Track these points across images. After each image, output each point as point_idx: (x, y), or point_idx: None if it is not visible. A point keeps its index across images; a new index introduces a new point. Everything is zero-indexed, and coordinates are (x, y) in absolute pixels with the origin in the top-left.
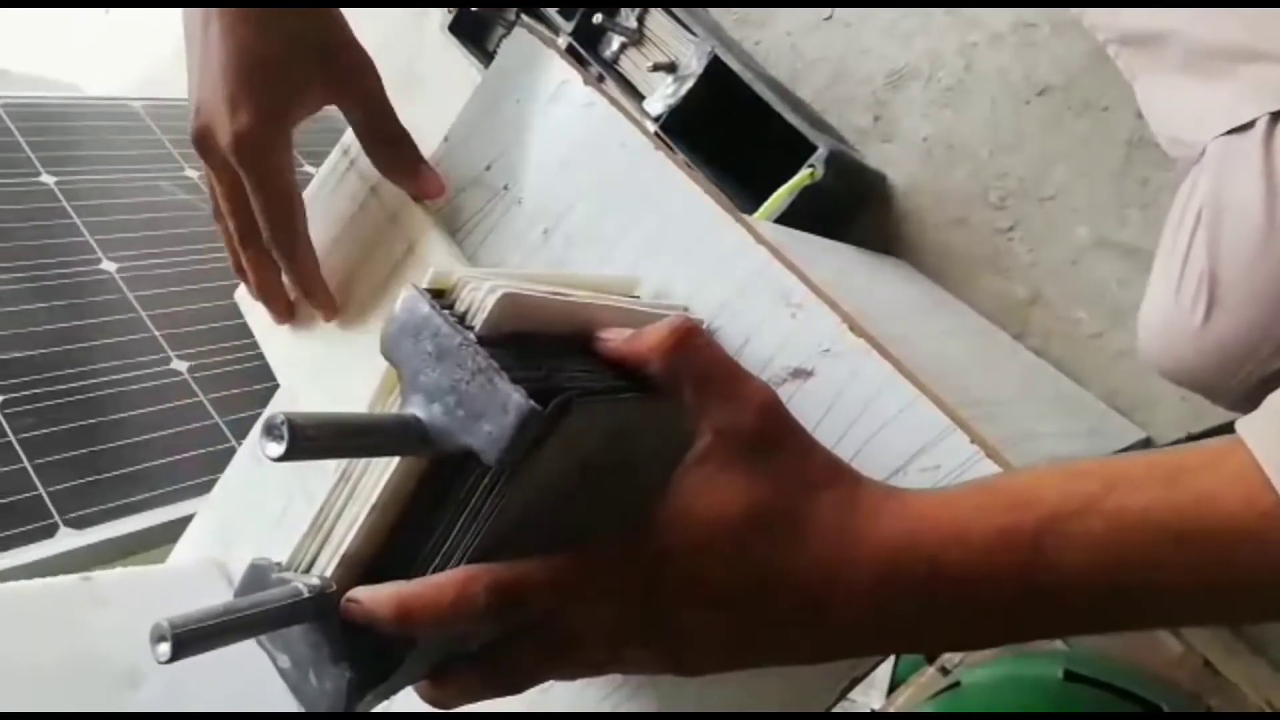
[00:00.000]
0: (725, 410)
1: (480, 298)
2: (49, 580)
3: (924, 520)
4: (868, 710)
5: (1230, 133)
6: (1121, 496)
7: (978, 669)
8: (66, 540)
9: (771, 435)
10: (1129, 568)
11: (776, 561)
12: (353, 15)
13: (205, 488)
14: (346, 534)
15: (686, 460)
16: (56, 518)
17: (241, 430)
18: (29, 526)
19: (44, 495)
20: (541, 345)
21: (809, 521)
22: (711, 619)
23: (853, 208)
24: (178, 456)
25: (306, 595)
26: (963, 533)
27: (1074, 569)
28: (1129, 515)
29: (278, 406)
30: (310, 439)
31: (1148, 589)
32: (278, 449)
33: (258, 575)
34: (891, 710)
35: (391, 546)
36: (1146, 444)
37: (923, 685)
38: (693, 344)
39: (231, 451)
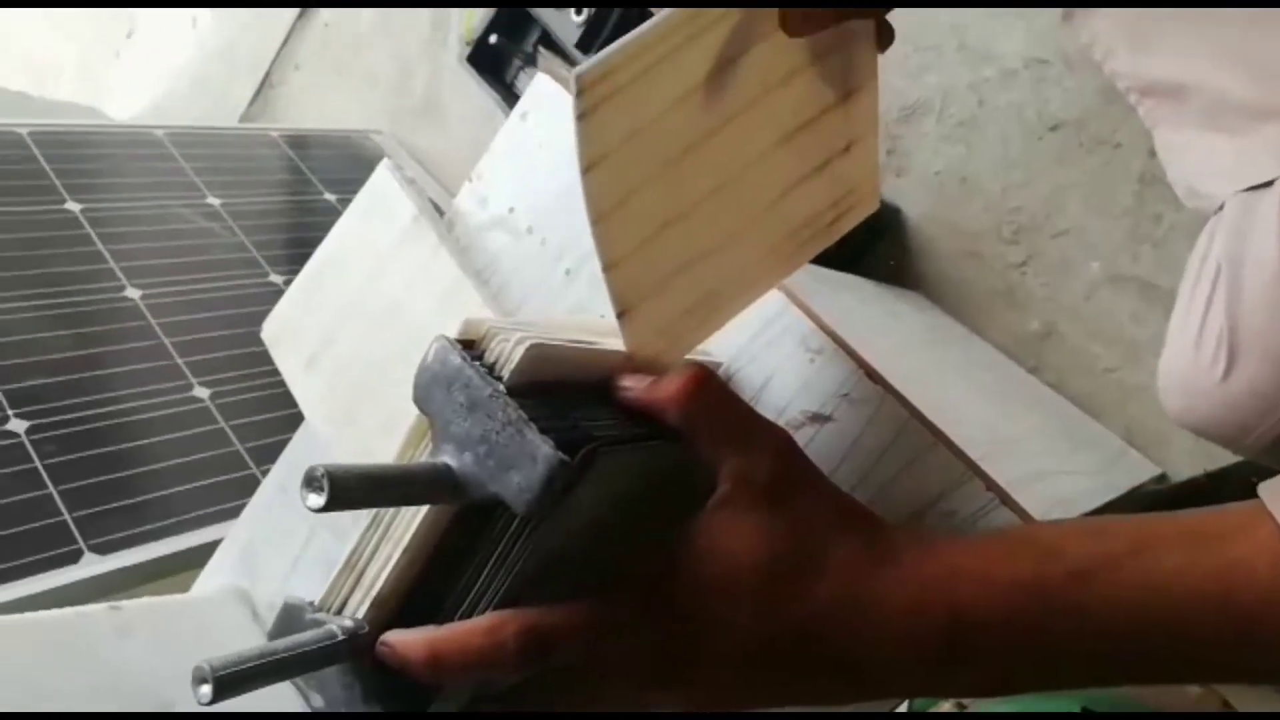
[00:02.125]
0: (742, 457)
1: (509, 349)
2: (77, 610)
3: (949, 567)
4: None
5: (1250, 189)
6: (1150, 557)
7: (994, 704)
8: (91, 566)
9: (789, 481)
10: (1157, 627)
11: (798, 607)
12: (369, 47)
13: (227, 514)
14: (378, 576)
15: (707, 507)
16: (81, 543)
17: (262, 456)
18: (54, 552)
19: (69, 520)
20: (567, 393)
21: (829, 567)
22: (733, 664)
23: (867, 241)
24: (200, 483)
25: (341, 637)
26: (989, 581)
27: (1100, 624)
28: (1158, 576)
29: (299, 444)
30: (349, 490)
31: (1174, 649)
32: (319, 500)
33: (292, 616)
34: None
35: (422, 589)
36: (1162, 480)
37: None
38: (706, 392)
39: (252, 478)
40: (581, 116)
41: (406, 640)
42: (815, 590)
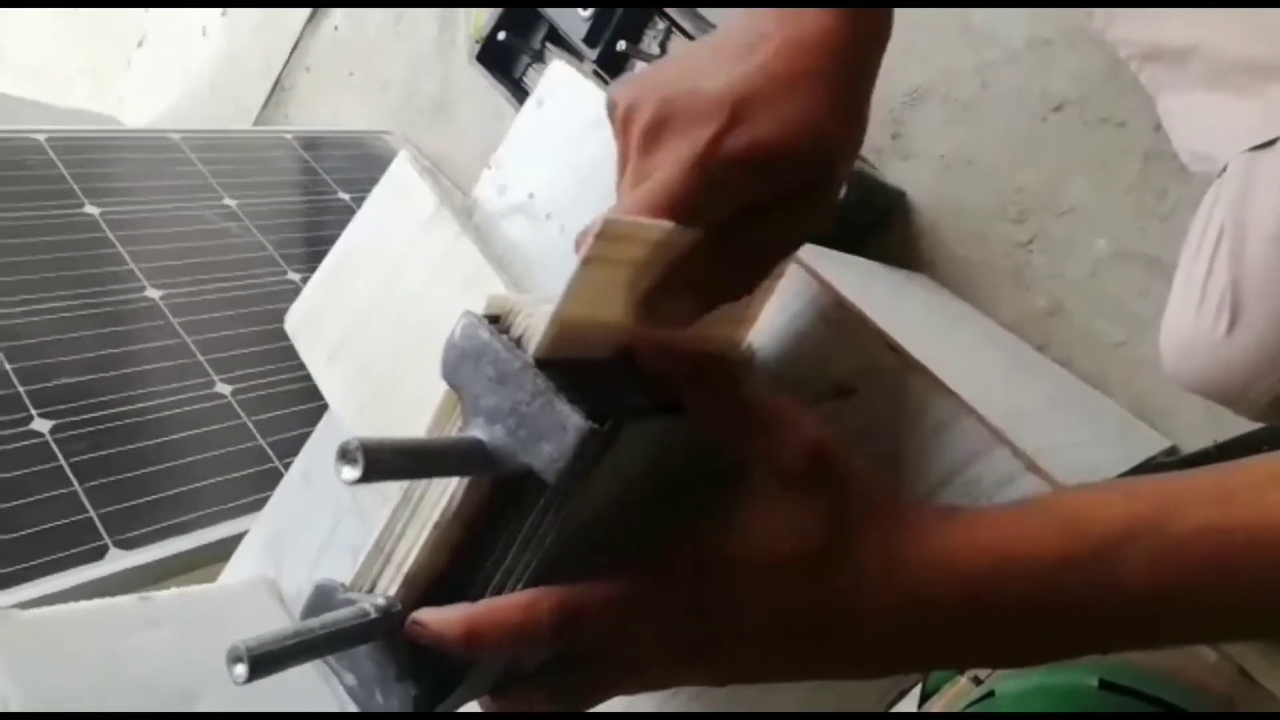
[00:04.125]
0: (771, 445)
1: (535, 322)
2: (106, 601)
3: (980, 542)
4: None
5: (1253, 149)
6: (1179, 517)
7: (1011, 679)
8: (117, 561)
9: (820, 466)
10: (1190, 587)
11: (830, 592)
12: (378, 49)
13: (250, 508)
14: (409, 554)
15: (739, 495)
16: (107, 539)
17: (284, 451)
18: (80, 548)
19: (94, 517)
20: (593, 366)
21: (863, 550)
22: (762, 644)
23: (873, 225)
24: (223, 478)
25: (374, 615)
26: (1020, 555)
27: (1135, 589)
28: (1188, 535)
29: (323, 434)
30: (383, 462)
31: (1208, 608)
32: (354, 473)
33: (323, 596)
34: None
35: (453, 566)
36: (1172, 453)
37: (955, 695)
38: (728, 382)
39: (275, 472)
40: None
41: (440, 617)
42: (852, 576)
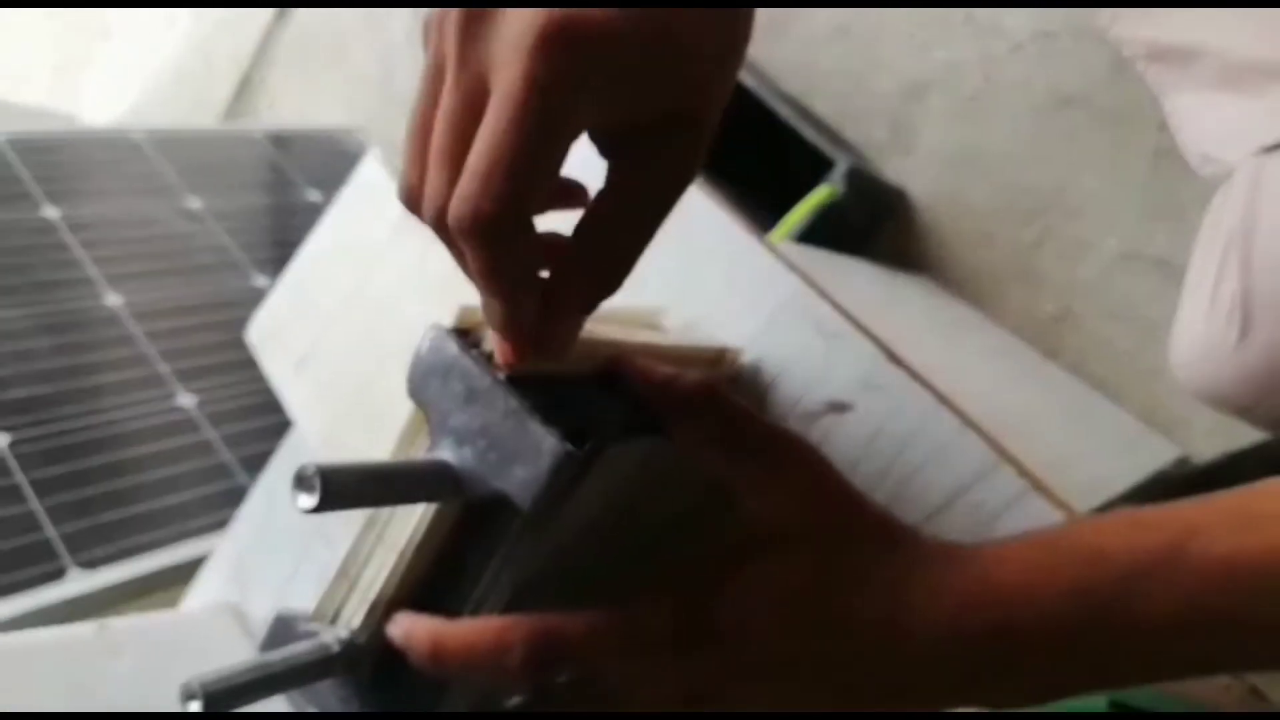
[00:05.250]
0: (766, 477)
1: None
2: (64, 629)
3: (989, 578)
4: None
5: (1263, 151)
6: (1198, 546)
7: None
8: (76, 583)
9: (818, 498)
10: (1212, 619)
11: (832, 630)
12: (351, 41)
13: (216, 526)
14: (374, 583)
15: (729, 527)
16: (66, 559)
17: (251, 466)
18: (37, 570)
19: (52, 537)
20: (569, 384)
21: (863, 587)
22: (762, 687)
23: (874, 224)
24: (187, 495)
25: (337, 649)
26: (1033, 591)
27: (1155, 623)
28: (1208, 565)
29: (289, 450)
30: (342, 489)
31: (1230, 638)
32: (310, 501)
33: (284, 627)
34: None
35: (421, 596)
36: (1183, 463)
37: None
38: (719, 409)
39: (241, 488)
40: None
41: (413, 625)
42: (852, 613)
